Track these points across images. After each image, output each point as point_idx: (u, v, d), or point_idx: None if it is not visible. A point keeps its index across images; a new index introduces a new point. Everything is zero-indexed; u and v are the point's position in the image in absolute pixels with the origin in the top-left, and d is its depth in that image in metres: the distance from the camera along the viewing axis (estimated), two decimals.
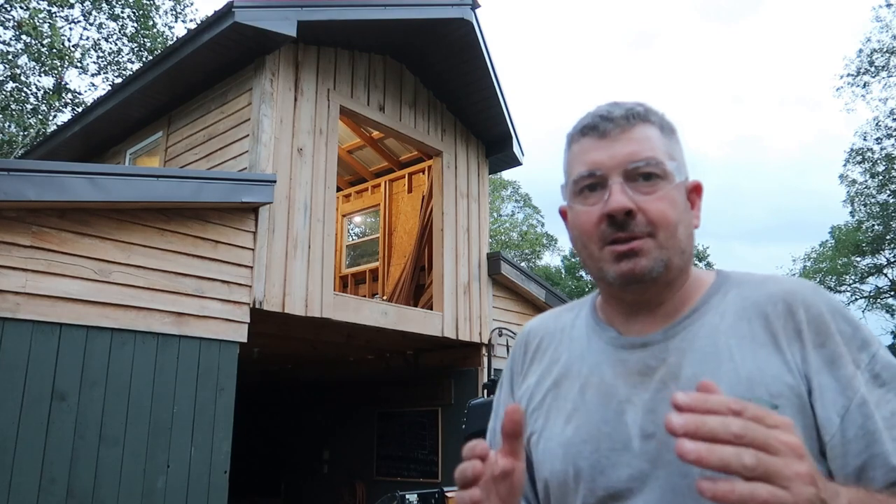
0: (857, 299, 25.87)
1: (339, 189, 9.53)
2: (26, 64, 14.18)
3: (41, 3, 14.30)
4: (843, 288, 26.09)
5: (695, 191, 0.94)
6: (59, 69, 14.43)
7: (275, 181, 5.50)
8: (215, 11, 5.51)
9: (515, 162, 8.52)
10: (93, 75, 15.85)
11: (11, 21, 13.58)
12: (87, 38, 15.72)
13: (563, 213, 0.99)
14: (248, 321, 5.19)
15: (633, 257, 0.86)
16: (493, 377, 5.21)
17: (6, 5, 13.52)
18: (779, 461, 0.58)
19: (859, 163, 22.57)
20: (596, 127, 0.91)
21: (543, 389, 0.99)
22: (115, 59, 15.93)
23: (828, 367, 0.81)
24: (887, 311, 25.62)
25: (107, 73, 15.92)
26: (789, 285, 0.88)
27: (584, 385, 0.93)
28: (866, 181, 23.07)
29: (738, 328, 0.86)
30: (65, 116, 15.08)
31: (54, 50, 13.53)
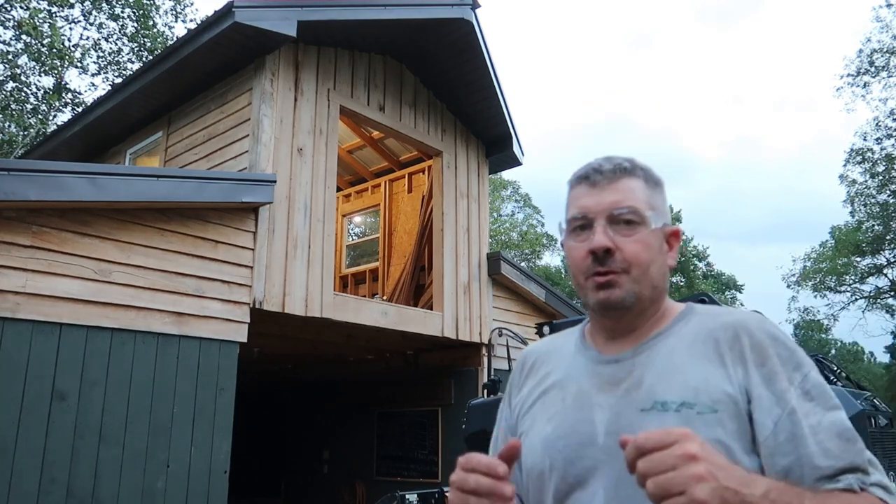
0: (857, 299, 25.87)
1: (339, 189, 9.53)
2: (26, 64, 14.18)
3: (41, 2, 14.30)
4: (843, 288, 26.09)
5: (673, 235, 1.12)
6: (59, 69, 14.42)
7: (275, 181, 5.50)
8: (215, 11, 5.51)
9: (515, 162, 8.53)
10: (93, 75, 15.85)
11: (11, 21, 13.58)
12: (87, 38, 15.73)
13: (564, 246, 1.17)
14: (248, 321, 5.19)
15: (609, 288, 1.04)
16: (493, 377, 5.20)
17: (6, 5, 13.52)
18: (673, 474, 0.75)
19: (859, 163, 22.56)
20: (588, 177, 1.10)
21: (533, 398, 1.17)
22: (115, 59, 15.92)
23: (765, 382, 0.97)
24: (887, 311, 25.62)
25: (107, 73, 15.92)
26: (739, 316, 1.05)
27: (566, 394, 1.11)
28: (866, 181, 23.06)
29: (693, 348, 1.03)
30: (65, 116, 15.08)
31: (54, 50, 13.53)
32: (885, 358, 34.10)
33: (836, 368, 4.29)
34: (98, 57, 15.76)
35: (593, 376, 1.08)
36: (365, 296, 9.02)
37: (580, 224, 1.08)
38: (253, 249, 5.37)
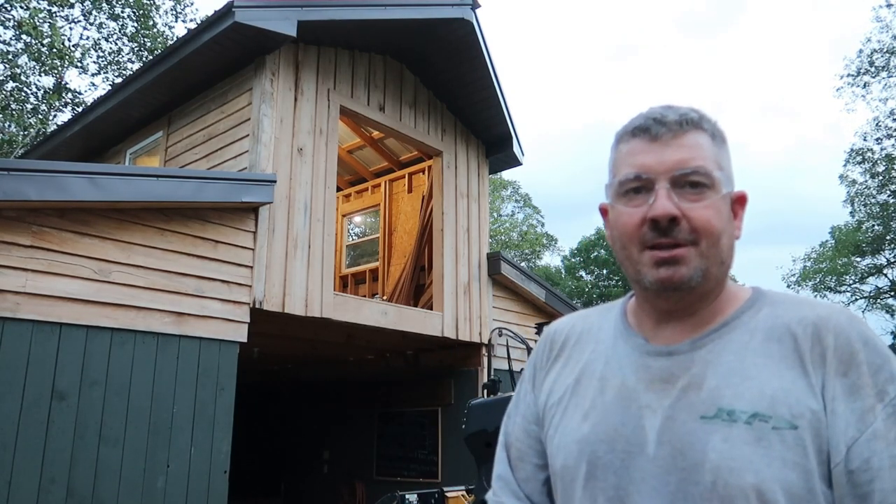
0: (857, 299, 25.88)
1: (339, 189, 9.53)
2: (26, 64, 14.17)
3: (41, 2, 14.30)
4: (843, 288, 26.10)
5: (739, 201, 0.94)
6: (59, 69, 14.42)
7: (275, 181, 5.50)
8: (215, 11, 5.51)
9: (515, 162, 8.52)
10: (93, 75, 15.85)
11: (11, 21, 13.57)
12: (88, 38, 15.73)
13: (603, 211, 0.99)
14: (248, 321, 5.19)
15: (674, 265, 0.87)
16: (493, 377, 5.20)
17: (6, 5, 13.52)
18: None
19: (859, 163, 22.57)
20: (648, 129, 0.91)
21: (563, 386, 1.00)
22: (115, 58, 15.92)
23: (846, 395, 0.80)
24: (887, 312, 25.62)
25: (107, 72, 15.92)
26: (823, 310, 0.87)
27: (604, 386, 0.94)
28: (866, 181, 23.07)
29: (767, 347, 0.86)
30: (65, 116, 15.09)
31: (54, 50, 13.53)
32: None
33: None
34: (98, 57, 15.76)
35: (640, 370, 0.91)
36: (365, 296, 9.02)
37: (635, 186, 0.90)
38: (253, 249, 5.37)
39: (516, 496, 1.04)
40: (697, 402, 0.84)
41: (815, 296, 26.24)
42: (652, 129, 0.91)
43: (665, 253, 0.87)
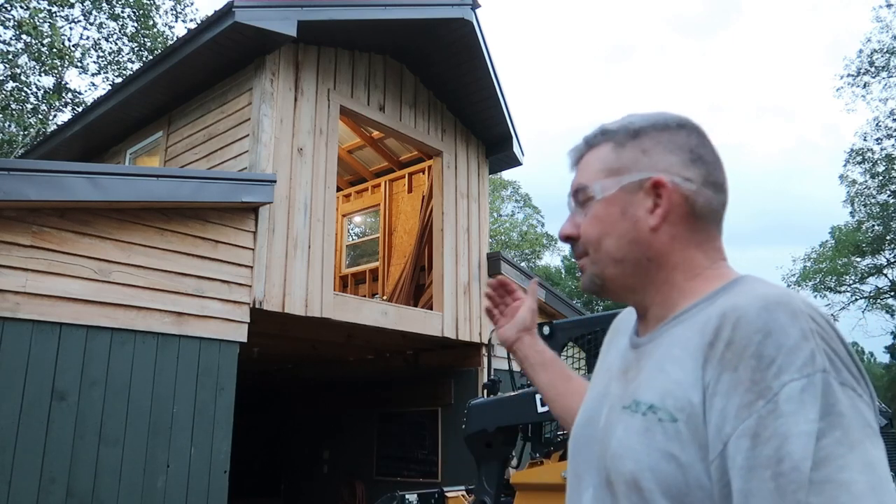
0: (856, 299, 25.87)
1: (339, 189, 9.53)
2: (26, 63, 14.17)
3: (41, 2, 14.30)
4: (843, 288, 26.09)
5: (650, 189, 0.91)
6: (59, 69, 14.42)
7: (275, 181, 5.50)
8: (215, 11, 5.51)
9: (515, 162, 8.52)
10: (93, 75, 15.85)
11: (11, 21, 13.57)
12: (88, 38, 15.73)
13: None
14: (248, 321, 5.19)
15: (582, 274, 1.00)
16: (492, 377, 5.19)
17: (6, 5, 13.52)
18: None
19: (859, 163, 22.57)
20: (569, 156, 1.04)
21: (595, 373, 1.10)
22: (115, 58, 15.92)
23: (729, 390, 0.75)
24: (887, 312, 25.62)
25: (107, 72, 15.92)
26: (742, 299, 0.81)
27: (602, 377, 1.03)
28: (866, 181, 23.07)
29: (688, 340, 0.84)
30: (65, 116, 15.08)
31: (54, 50, 13.52)
32: (885, 358, 34.06)
33: None
34: (98, 57, 15.76)
35: (620, 361, 0.99)
36: (365, 296, 9.02)
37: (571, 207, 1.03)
38: (253, 249, 5.37)
39: None
40: (627, 393, 0.89)
41: (815, 296, 26.26)
42: (570, 156, 1.04)
43: (578, 264, 1.00)
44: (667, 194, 0.91)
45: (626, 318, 1.10)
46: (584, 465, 0.95)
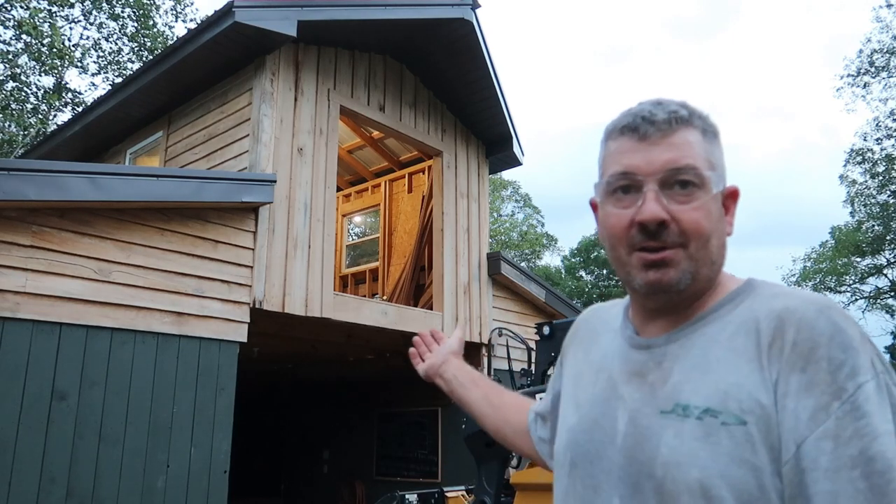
0: (856, 300, 25.87)
1: (339, 189, 9.53)
2: (26, 63, 14.17)
3: (41, 2, 14.30)
4: (843, 288, 26.09)
5: (731, 196, 0.92)
6: (59, 69, 14.42)
7: (275, 181, 5.50)
8: (216, 11, 5.51)
9: (515, 162, 8.52)
10: (93, 75, 15.86)
11: (11, 21, 13.57)
12: (88, 38, 15.72)
13: (593, 206, 0.98)
14: (248, 321, 5.19)
15: (663, 267, 0.85)
16: (493, 377, 5.21)
17: (6, 5, 13.52)
18: None
19: (859, 163, 22.57)
20: (636, 129, 0.88)
21: (572, 374, 1.04)
22: (116, 58, 15.92)
23: (801, 392, 0.75)
24: (887, 312, 25.61)
25: (107, 72, 15.92)
26: (793, 301, 0.81)
27: (597, 378, 0.96)
28: (866, 181, 23.07)
29: (733, 341, 0.83)
30: (65, 116, 15.08)
31: (54, 50, 13.52)
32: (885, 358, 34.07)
33: None
34: (98, 57, 15.76)
35: (625, 362, 0.92)
36: (365, 296, 9.02)
37: (623, 185, 0.88)
38: (253, 249, 5.37)
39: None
40: (660, 397, 0.85)
41: None
42: (640, 127, 0.88)
43: (654, 255, 0.85)
44: (736, 206, 0.92)
45: (599, 316, 1.07)
46: (602, 475, 0.88)
